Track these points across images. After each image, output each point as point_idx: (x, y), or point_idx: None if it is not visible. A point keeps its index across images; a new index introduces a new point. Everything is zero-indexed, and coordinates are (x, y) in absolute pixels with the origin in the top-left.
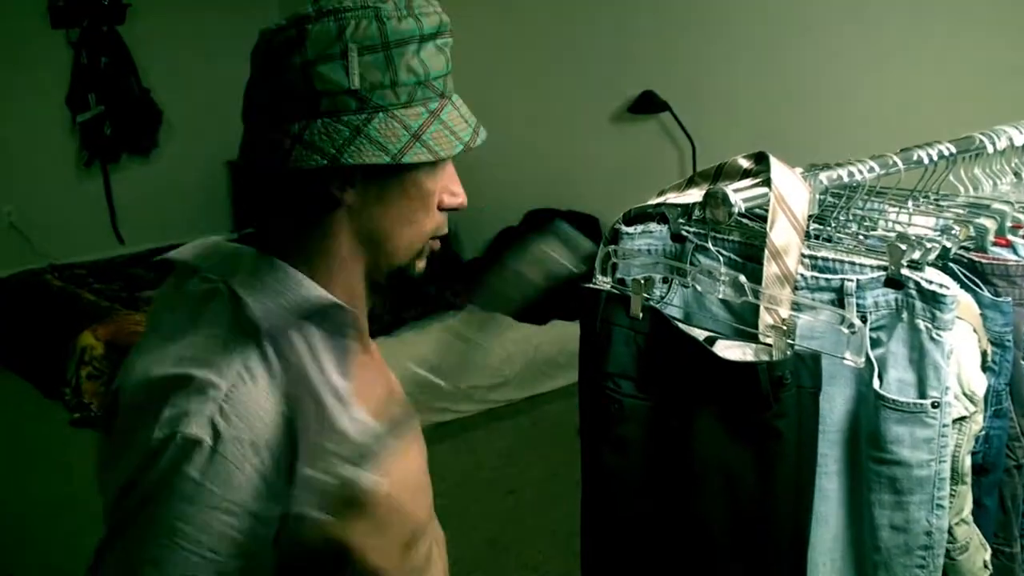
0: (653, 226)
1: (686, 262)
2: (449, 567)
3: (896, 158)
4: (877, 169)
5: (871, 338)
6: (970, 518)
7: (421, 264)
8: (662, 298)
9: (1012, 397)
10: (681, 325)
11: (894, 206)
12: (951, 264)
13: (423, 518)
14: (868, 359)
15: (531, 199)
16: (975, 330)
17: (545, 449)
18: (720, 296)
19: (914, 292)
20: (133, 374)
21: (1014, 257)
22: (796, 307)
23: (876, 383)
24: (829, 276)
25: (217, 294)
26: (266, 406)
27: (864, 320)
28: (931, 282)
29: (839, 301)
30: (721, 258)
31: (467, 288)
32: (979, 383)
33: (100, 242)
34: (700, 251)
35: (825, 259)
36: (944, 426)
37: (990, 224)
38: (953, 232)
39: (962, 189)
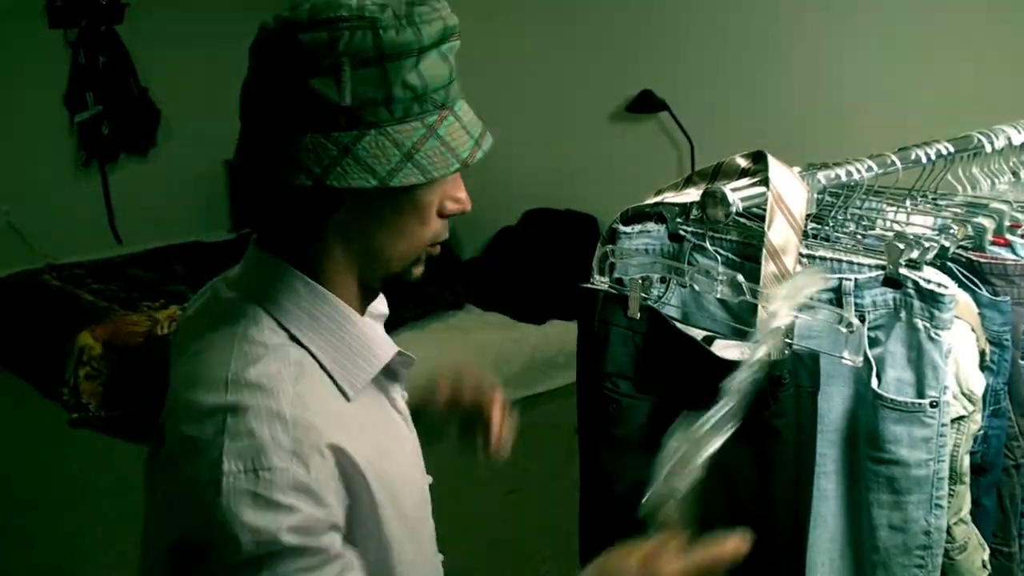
0: (651, 226)
1: (684, 262)
2: (447, 566)
3: (894, 157)
4: (875, 168)
5: (869, 337)
6: (968, 518)
7: (418, 270)
8: (660, 298)
9: (1010, 397)
10: (679, 325)
11: (892, 205)
12: (949, 263)
13: (424, 515)
14: (866, 358)
15: (529, 199)
16: (973, 329)
17: (544, 448)
18: (718, 295)
19: (912, 291)
20: (184, 408)
21: (1012, 256)
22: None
23: (874, 382)
24: (827, 275)
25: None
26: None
27: (862, 319)
28: (929, 281)
29: (837, 300)
30: (719, 257)
31: (466, 287)
32: (977, 382)
33: (98, 242)
34: (698, 250)
35: (823, 258)
36: (942, 425)
37: (988, 223)
38: (951, 231)
39: (960, 188)
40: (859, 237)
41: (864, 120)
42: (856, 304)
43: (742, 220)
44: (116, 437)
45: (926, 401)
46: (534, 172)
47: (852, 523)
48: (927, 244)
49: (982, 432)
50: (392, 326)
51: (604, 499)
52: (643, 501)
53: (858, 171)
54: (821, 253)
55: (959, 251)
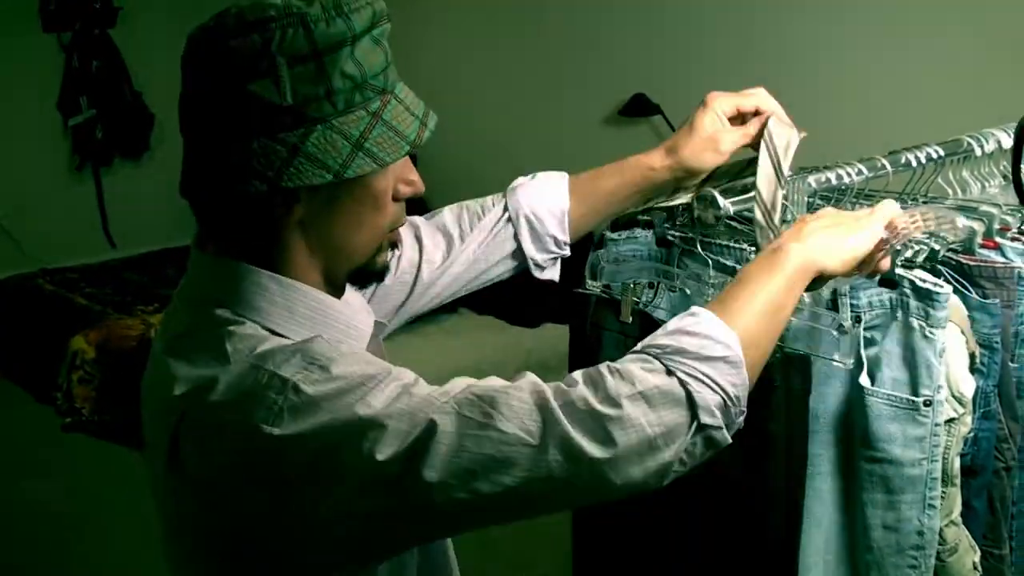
0: (638, 231)
1: (672, 266)
2: None
3: (884, 161)
4: (865, 172)
5: (865, 337)
6: (959, 520)
7: (382, 258)
8: (648, 303)
9: (1000, 399)
10: None
11: None
12: (939, 266)
13: None
14: (859, 359)
15: None
16: (963, 332)
17: None
18: (709, 299)
19: (908, 291)
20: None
21: (1002, 259)
22: None
23: (866, 381)
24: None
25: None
26: None
27: (858, 320)
28: (925, 280)
29: (832, 301)
30: (709, 261)
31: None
32: (967, 385)
33: (92, 246)
34: (686, 255)
35: None
36: (936, 425)
37: (978, 226)
38: (941, 234)
39: (950, 192)
40: None
41: (857, 124)
42: (852, 305)
43: (732, 223)
44: (110, 441)
45: (920, 400)
46: (527, 175)
47: (846, 523)
48: (917, 247)
49: (972, 434)
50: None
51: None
52: None
53: (848, 175)
54: None
55: (949, 254)
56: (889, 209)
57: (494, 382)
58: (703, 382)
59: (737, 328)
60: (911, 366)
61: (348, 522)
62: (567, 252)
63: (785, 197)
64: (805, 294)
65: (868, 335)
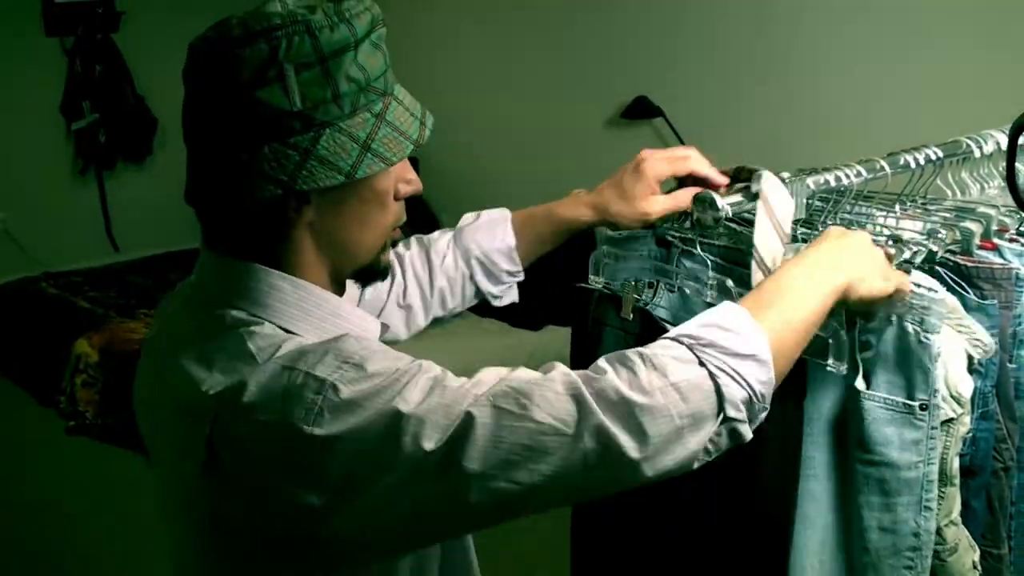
0: (639, 231)
1: (672, 266)
2: None
3: (883, 162)
4: (864, 173)
5: (861, 341)
6: (959, 519)
7: (386, 256)
8: (648, 302)
9: (998, 399)
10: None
11: (882, 210)
12: (937, 268)
13: None
14: (854, 363)
15: (524, 204)
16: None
17: None
18: (708, 300)
19: None
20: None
21: (1000, 260)
22: None
23: (862, 384)
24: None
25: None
26: None
27: (853, 324)
28: (920, 285)
29: None
30: (708, 262)
31: None
32: (966, 385)
33: (95, 249)
34: (685, 255)
35: None
36: (932, 428)
37: (976, 228)
38: (939, 235)
39: (949, 193)
40: None
41: (855, 125)
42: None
43: (731, 225)
44: (113, 445)
45: (916, 403)
46: (529, 178)
47: (841, 525)
48: (915, 248)
49: (971, 435)
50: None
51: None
52: None
53: (847, 176)
54: None
55: (947, 255)
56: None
57: (524, 374)
58: (732, 376)
59: (768, 330)
60: (906, 370)
61: (396, 510)
62: (521, 277)
63: (785, 254)
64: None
65: (864, 338)
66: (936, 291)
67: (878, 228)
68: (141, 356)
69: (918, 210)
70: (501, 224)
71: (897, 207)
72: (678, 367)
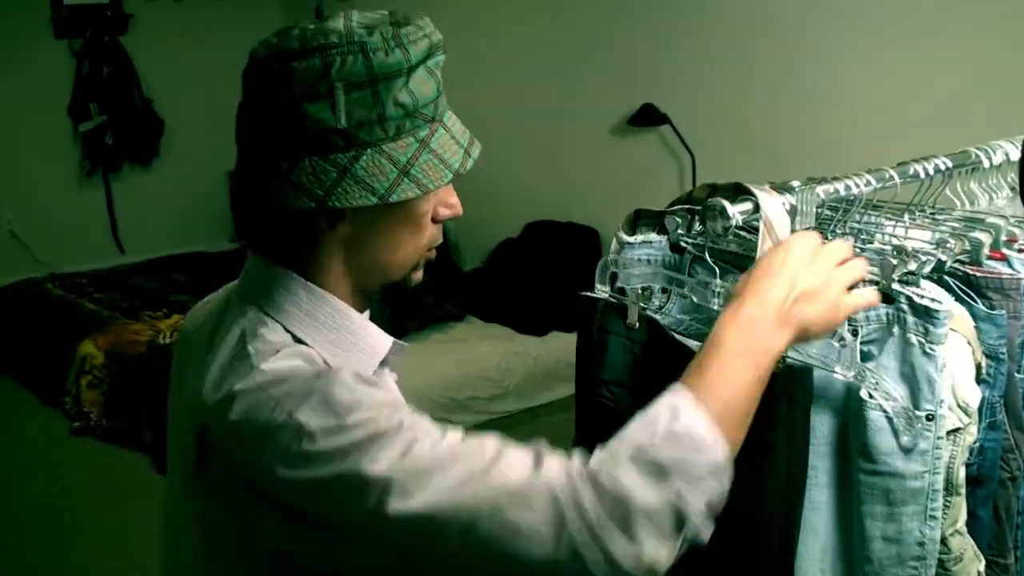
0: (653, 236)
1: (685, 273)
2: None
3: (893, 172)
4: (874, 183)
5: (862, 351)
6: (964, 529)
7: (417, 275)
8: (661, 308)
9: (1006, 409)
10: (678, 335)
11: (891, 220)
12: (946, 277)
13: None
14: (860, 372)
15: (531, 211)
16: (969, 342)
17: None
18: (716, 308)
19: (906, 306)
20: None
21: (1008, 270)
22: None
23: (866, 393)
24: None
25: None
26: None
27: (855, 333)
28: (923, 296)
29: None
30: (717, 270)
31: (467, 299)
32: (973, 395)
33: (101, 251)
34: (698, 262)
35: None
36: (938, 438)
37: (985, 238)
38: (948, 245)
39: (958, 203)
40: (858, 251)
41: (863, 134)
42: (849, 318)
43: (742, 233)
44: (117, 446)
45: (922, 414)
46: (536, 185)
47: (844, 534)
48: (924, 258)
49: (978, 444)
50: (394, 336)
51: None
52: None
53: (857, 185)
54: None
55: (956, 265)
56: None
57: (512, 470)
58: (693, 498)
59: (719, 416)
60: (911, 381)
61: (364, 551)
62: None
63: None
64: None
65: (865, 349)
66: (941, 302)
67: (886, 238)
68: (174, 353)
69: (927, 220)
70: None
71: (906, 217)
72: (646, 496)
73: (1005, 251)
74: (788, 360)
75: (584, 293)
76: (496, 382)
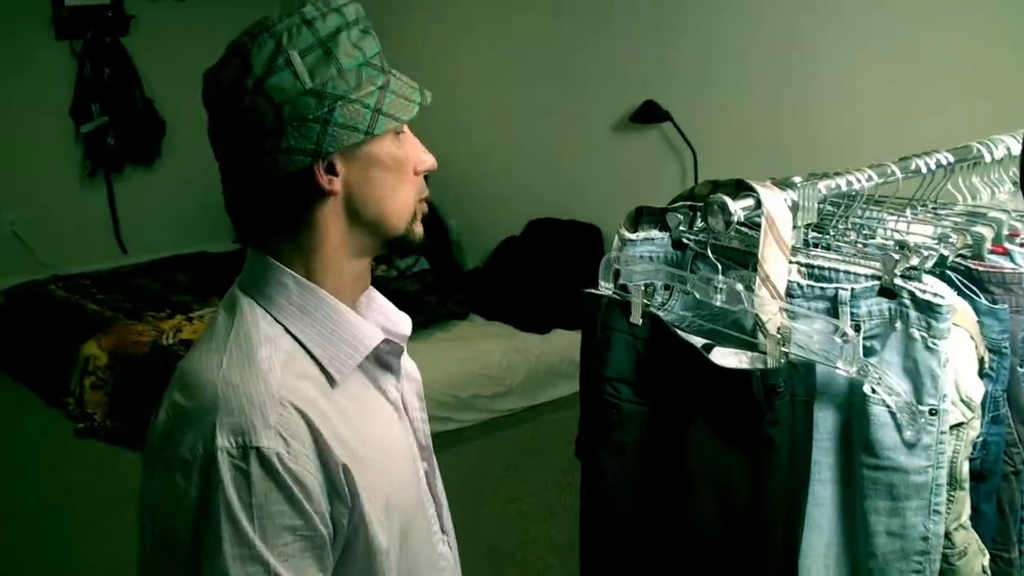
0: (655, 233)
1: (687, 269)
2: None
3: (895, 167)
4: (875, 178)
5: (865, 347)
6: (968, 523)
7: (418, 228)
8: (663, 304)
9: (1009, 403)
10: (680, 332)
11: (893, 214)
12: (948, 272)
13: (410, 503)
14: (863, 367)
15: (533, 209)
16: (972, 337)
17: (546, 458)
18: (717, 304)
19: (908, 301)
20: (180, 385)
21: (1010, 265)
22: (791, 316)
23: (870, 389)
24: (824, 285)
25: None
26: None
27: (858, 329)
28: (925, 291)
29: (833, 310)
30: (719, 266)
31: (469, 297)
32: (976, 389)
33: (103, 252)
34: (700, 258)
35: (821, 268)
36: (942, 433)
37: (987, 232)
38: (950, 240)
39: (960, 198)
40: (860, 246)
41: (864, 130)
42: (852, 313)
43: (744, 229)
44: (121, 447)
45: (925, 408)
46: (538, 182)
47: (848, 529)
48: (926, 253)
49: (981, 439)
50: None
51: (603, 503)
52: None
53: (859, 180)
54: (819, 262)
55: (958, 259)
56: None
57: None
58: None
59: None
60: (913, 376)
61: None
62: None
63: (791, 262)
64: (805, 302)
65: (867, 344)
66: (944, 297)
67: (888, 233)
68: None
69: (929, 215)
70: None
71: (908, 211)
72: None
73: (1007, 245)
74: (791, 356)
75: (588, 290)
76: (499, 380)
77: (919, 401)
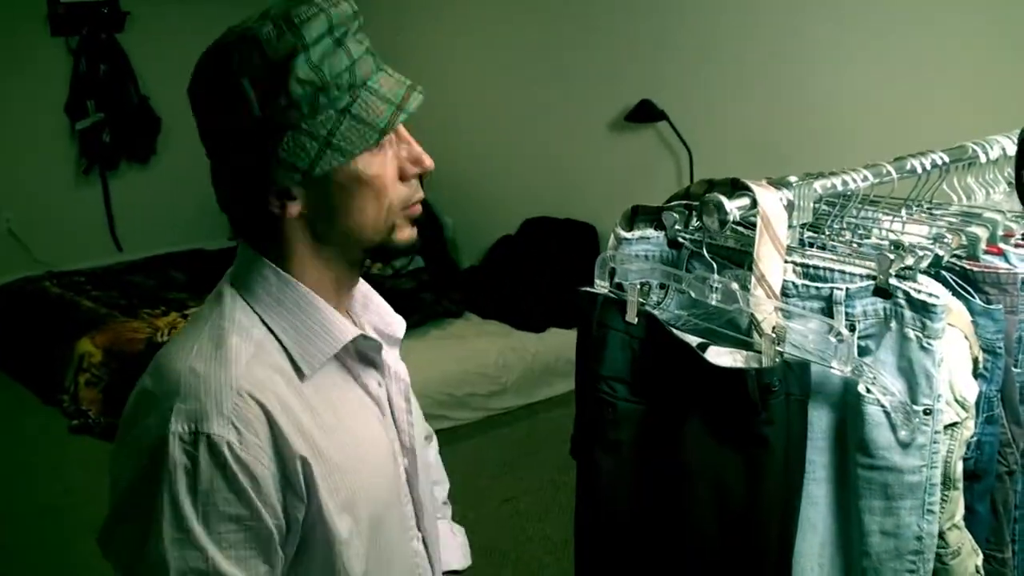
0: (651, 232)
1: (682, 268)
2: None
3: (890, 167)
4: (871, 178)
5: (860, 347)
6: (962, 523)
7: (403, 234)
8: (659, 303)
9: (1003, 403)
10: (675, 331)
11: (888, 214)
12: (943, 272)
13: (383, 496)
14: (857, 367)
15: (528, 208)
16: (966, 337)
17: (542, 457)
18: (713, 303)
19: (903, 301)
20: (153, 371)
21: (1005, 265)
22: (786, 315)
23: (862, 388)
24: (819, 284)
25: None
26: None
27: (853, 328)
28: (920, 291)
29: (828, 310)
30: (715, 265)
31: (465, 296)
32: (971, 390)
33: (98, 249)
34: (696, 257)
35: (816, 267)
36: (936, 432)
37: (982, 232)
38: (945, 240)
39: (955, 198)
40: (855, 246)
41: (860, 130)
42: (847, 313)
43: (740, 228)
44: None
45: (920, 408)
46: (534, 181)
47: (842, 529)
48: (921, 253)
49: (975, 439)
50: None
51: (598, 501)
52: None
53: (854, 180)
54: (815, 262)
55: (953, 260)
56: None
57: None
58: None
59: None
60: (908, 376)
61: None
62: None
63: (786, 261)
64: (800, 301)
65: (862, 344)
66: (938, 297)
67: (883, 232)
68: None
69: (924, 215)
70: None
71: (903, 212)
72: None
73: (1002, 246)
74: (785, 355)
75: (583, 288)
76: (494, 379)
77: (913, 401)
